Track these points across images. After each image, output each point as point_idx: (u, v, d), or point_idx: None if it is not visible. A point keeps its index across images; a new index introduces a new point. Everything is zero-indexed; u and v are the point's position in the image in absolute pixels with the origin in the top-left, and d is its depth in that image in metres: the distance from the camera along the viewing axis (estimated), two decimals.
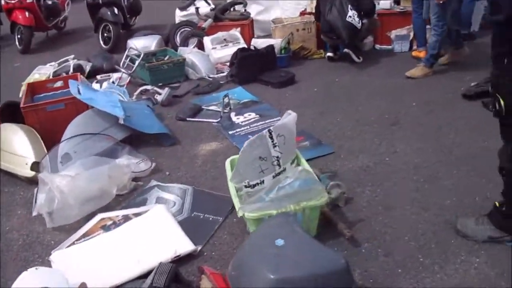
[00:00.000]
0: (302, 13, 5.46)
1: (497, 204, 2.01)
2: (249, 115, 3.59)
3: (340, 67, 4.64)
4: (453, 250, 2.02)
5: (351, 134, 3.20)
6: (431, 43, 4.00)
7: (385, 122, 3.34)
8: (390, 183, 2.57)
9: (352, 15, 4.27)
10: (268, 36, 5.41)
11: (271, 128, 2.20)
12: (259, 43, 4.85)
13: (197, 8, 5.36)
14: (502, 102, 1.74)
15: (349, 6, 4.29)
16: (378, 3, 5.16)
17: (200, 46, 5.16)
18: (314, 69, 4.67)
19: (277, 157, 2.24)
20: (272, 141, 2.20)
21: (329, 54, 4.77)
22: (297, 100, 3.89)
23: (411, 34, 4.81)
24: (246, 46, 4.73)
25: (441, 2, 3.71)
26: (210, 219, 2.38)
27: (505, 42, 1.69)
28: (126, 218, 2.41)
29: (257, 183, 2.20)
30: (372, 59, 4.76)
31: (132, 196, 2.67)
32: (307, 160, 2.79)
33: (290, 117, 2.33)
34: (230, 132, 3.34)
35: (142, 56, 4.42)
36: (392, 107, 3.56)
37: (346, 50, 4.62)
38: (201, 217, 2.41)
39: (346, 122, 3.39)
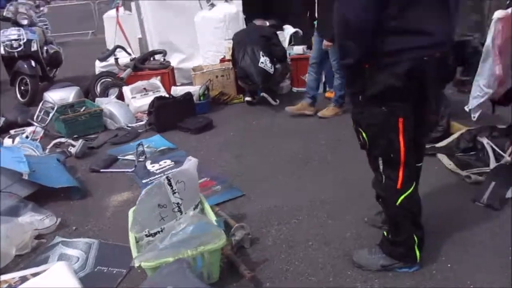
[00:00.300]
0: (222, 60, 5.64)
1: (385, 233, 2.14)
2: (165, 162, 3.60)
3: (258, 111, 4.80)
4: (350, 282, 2.10)
5: (263, 176, 3.28)
6: (337, 85, 4.27)
7: (296, 161, 3.47)
8: (296, 220, 2.65)
9: (264, 61, 4.49)
10: (191, 83, 5.53)
11: (169, 175, 2.23)
12: (178, 90, 4.93)
13: (116, 59, 5.39)
14: (364, 135, 1.90)
15: (261, 52, 4.51)
16: (292, 49, 5.50)
17: (122, 96, 5.16)
18: (233, 113, 4.80)
19: (178, 203, 2.25)
20: (172, 188, 2.22)
21: (247, 98, 4.95)
22: (214, 145, 3.96)
23: (323, 77, 5.10)
24: (165, 95, 4.78)
25: (328, 48, 4.03)
26: (114, 272, 2.32)
27: (357, 82, 1.86)
28: (23, 279, 2.27)
29: (158, 231, 2.19)
30: (289, 101, 4.97)
31: (33, 255, 2.55)
32: (218, 204, 2.87)
33: (190, 163, 2.38)
34: (144, 181, 3.31)
35: (56, 108, 4.33)
36: (304, 147, 3.72)
37: (263, 94, 4.82)
38: (105, 271, 2.34)
39: (260, 164, 3.48)
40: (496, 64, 2.78)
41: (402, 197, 1.95)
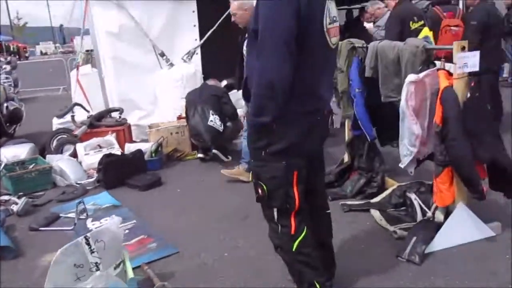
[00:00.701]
0: (179, 118, 5.79)
1: None
2: (105, 220, 3.60)
3: (210, 167, 4.90)
4: None
5: (201, 232, 3.32)
6: None
7: (236, 217, 3.53)
8: (222, 278, 2.67)
9: (213, 120, 4.64)
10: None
11: (88, 234, 2.26)
12: (132, 147, 5.01)
13: (72, 116, 5.48)
14: (265, 188, 2.01)
15: (211, 111, 4.68)
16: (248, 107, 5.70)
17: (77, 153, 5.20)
18: (184, 170, 4.89)
19: (96, 263, 2.26)
20: (90, 247, 2.24)
21: (200, 155, 5.06)
22: (159, 202, 4.01)
23: None
24: (116, 151, 4.85)
25: None
26: None
27: (263, 139, 1.98)
28: None
29: None
30: (241, 157, 5.09)
31: None
32: (150, 262, 2.89)
33: (112, 222, 2.42)
34: None
35: (3, 165, 4.35)
36: (246, 203, 3.77)
37: (214, 151, 4.94)
38: None
39: (200, 221, 3.53)
40: (412, 124, 2.97)
41: (297, 242, 2.06)
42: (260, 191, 2.04)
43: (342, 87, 3.86)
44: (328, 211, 2.41)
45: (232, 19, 4.01)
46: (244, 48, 3.91)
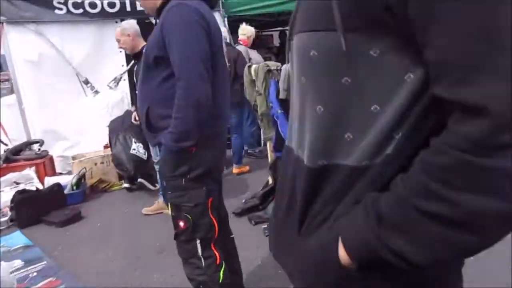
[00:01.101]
0: (106, 147, 5.58)
1: None
2: (13, 263, 3.34)
3: (136, 197, 4.73)
4: None
5: (116, 269, 3.15)
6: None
7: (153, 250, 3.38)
8: None
9: (136, 148, 4.49)
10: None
11: None
12: (52, 181, 4.75)
13: None
14: (190, 218, 1.90)
15: (133, 139, 4.53)
16: None
17: None
18: (108, 201, 4.68)
19: None
20: None
21: (125, 185, 4.87)
22: (76, 239, 3.78)
23: None
24: (34, 186, 4.57)
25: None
26: None
27: (183, 165, 1.87)
28: None
29: None
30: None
31: None
32: None
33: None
34: None
35: None
36: (167, 234, 3.64)
37: (140, 179, 4.77)
38: None
39: (116, 256, 3.35)
40: None
41: (221, 272, 1.99)
42: (182, 224, 1.91)
43: (261, 109, 3.87)
44: (232, 235, 2.36)
45: (118, 46, 3.98)
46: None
